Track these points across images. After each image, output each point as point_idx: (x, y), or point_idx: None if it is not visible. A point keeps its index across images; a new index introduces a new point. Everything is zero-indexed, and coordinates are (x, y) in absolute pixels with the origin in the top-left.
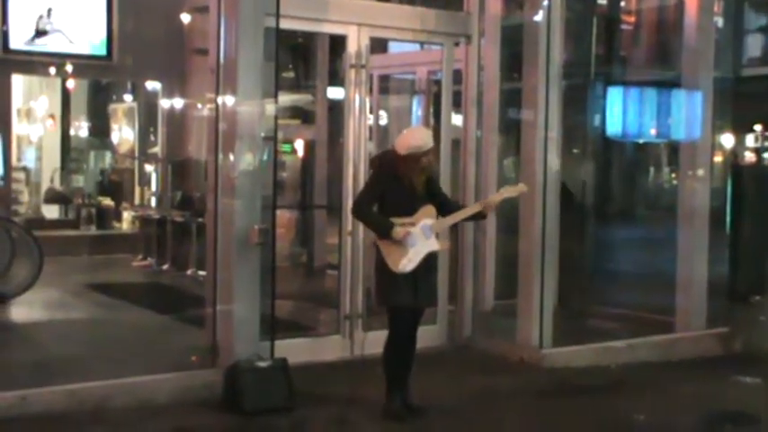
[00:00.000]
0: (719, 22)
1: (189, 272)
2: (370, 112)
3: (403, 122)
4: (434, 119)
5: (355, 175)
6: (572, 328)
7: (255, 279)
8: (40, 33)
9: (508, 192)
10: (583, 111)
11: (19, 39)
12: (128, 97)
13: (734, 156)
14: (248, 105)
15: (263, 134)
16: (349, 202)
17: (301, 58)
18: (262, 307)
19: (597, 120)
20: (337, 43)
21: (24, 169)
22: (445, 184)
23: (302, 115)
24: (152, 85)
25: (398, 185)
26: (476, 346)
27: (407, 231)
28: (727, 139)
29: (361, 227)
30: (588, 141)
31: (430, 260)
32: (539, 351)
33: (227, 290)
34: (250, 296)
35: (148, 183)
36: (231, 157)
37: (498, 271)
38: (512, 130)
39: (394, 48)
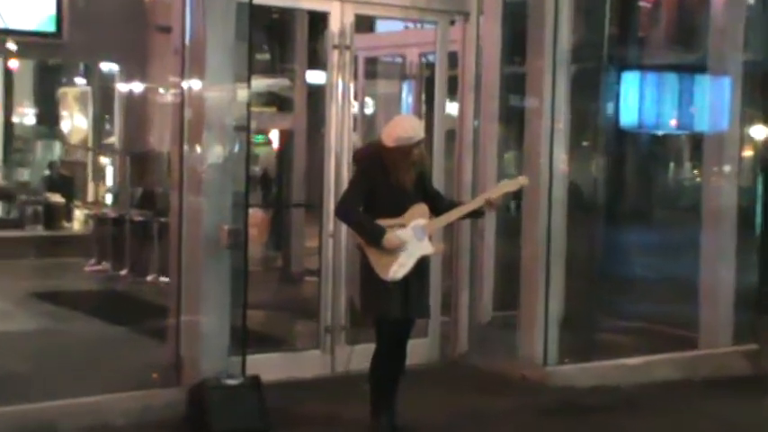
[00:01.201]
0: None
1: (149, 278)
2: (355, 99)
3: (391, 111)
4: (427, 107)
5: (338, 169)
6: (581, 343)
7: (225, 286)
8: None
9: (508, 186)
10: (594, 98)
11: None
12: (80, 80)
13: (765, 149)
14: (217, 91)
15: (233, 123)
16: (330, 200)
17: (277, 37)
18: (232, 318)
19: (610, 109)
20: (318, 21)
21: None
22: (438, 181)
23: (278, 102)
24: (108, 66)
25: (386, 181)
26: (472, 363)
27: (400, 239)
28: (758, 131)
29: (344, 228)
30: (600, 133)
31: (422, 265)
32: (542, 368)
33: (193, 298)
34: (219, 305)
35: (104, 177)
36: (198, 149)
37: (498, 278)
38: (514, 120)
39: (382, 27)
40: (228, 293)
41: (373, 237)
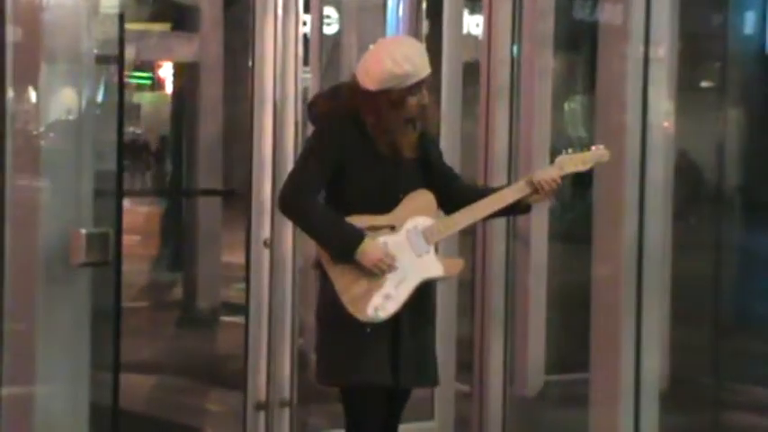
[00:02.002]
0: None
1: None
2: (306, 11)
3: (370, 30)
4: (430, 22)
5: (278, 131)
6: (698, 427)
7: (82, 334)
8: None
9: (574, 162)
10: (720, 7)
11: None
12: None
13: None
14: None
15: (95, 51)
16: (265, 183)
17: None
18: (93, 389)
19: (750, 24)
20: None
21: None
22: (450, 152)
23: (173, 14)
24: None
25: (365, 152)
26: None
27: (388, 252)
28: None
29: (288, 232)
30: (729, 66)
31: (423, 297)
32: None
33: (25, 356)
34: (72, 369)
35: None
36: (32, 97)
37: (554, 318)
38: (580, 46)
39: None
40: (88, 346)
41: (342, 246)
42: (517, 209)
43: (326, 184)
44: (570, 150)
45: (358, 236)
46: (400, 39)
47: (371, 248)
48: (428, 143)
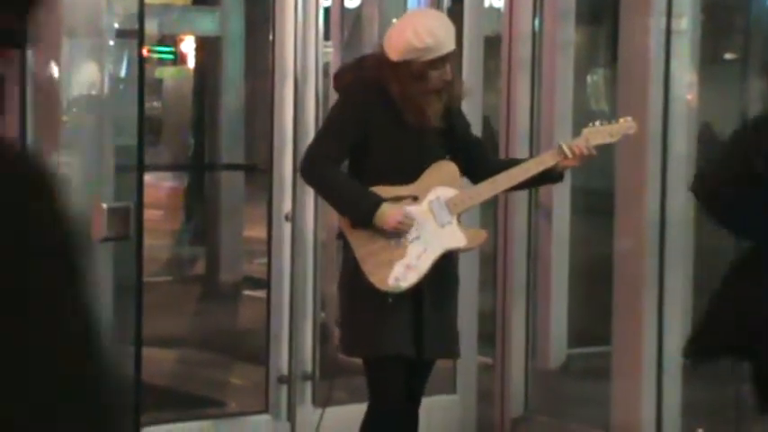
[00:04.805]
0: None
1: None
2: None
3: (390, 4)
4: None
5: (298, 106)
6: (719, 405)
7: (105, 308)
8: None
9: (601, 134)
10: None
11: None
12: None
13: None
14: None
15: (115, 25)
16: (285, 158)
17: None
18: (116, 363)
19: None
20: None
21: None
22: (471, 125)
23: None
24: None
25: (389, 121)
26: None
27: (408, 220)
28: None
29: (309, 205)
30: (753, 37)
31: (446, 269)
32: None
33: None
34: None
35: None
36: (53, 71)
37: (576, 291)
38: (602, 18)
39: None
40: (111, 321)
41: (360, 210)
42: (549, 178)
43: (349, 154)
44: (597, 122)
45: (376, 200)
46: (427, 12)
47: (390, 211)
48: (454, 117)
